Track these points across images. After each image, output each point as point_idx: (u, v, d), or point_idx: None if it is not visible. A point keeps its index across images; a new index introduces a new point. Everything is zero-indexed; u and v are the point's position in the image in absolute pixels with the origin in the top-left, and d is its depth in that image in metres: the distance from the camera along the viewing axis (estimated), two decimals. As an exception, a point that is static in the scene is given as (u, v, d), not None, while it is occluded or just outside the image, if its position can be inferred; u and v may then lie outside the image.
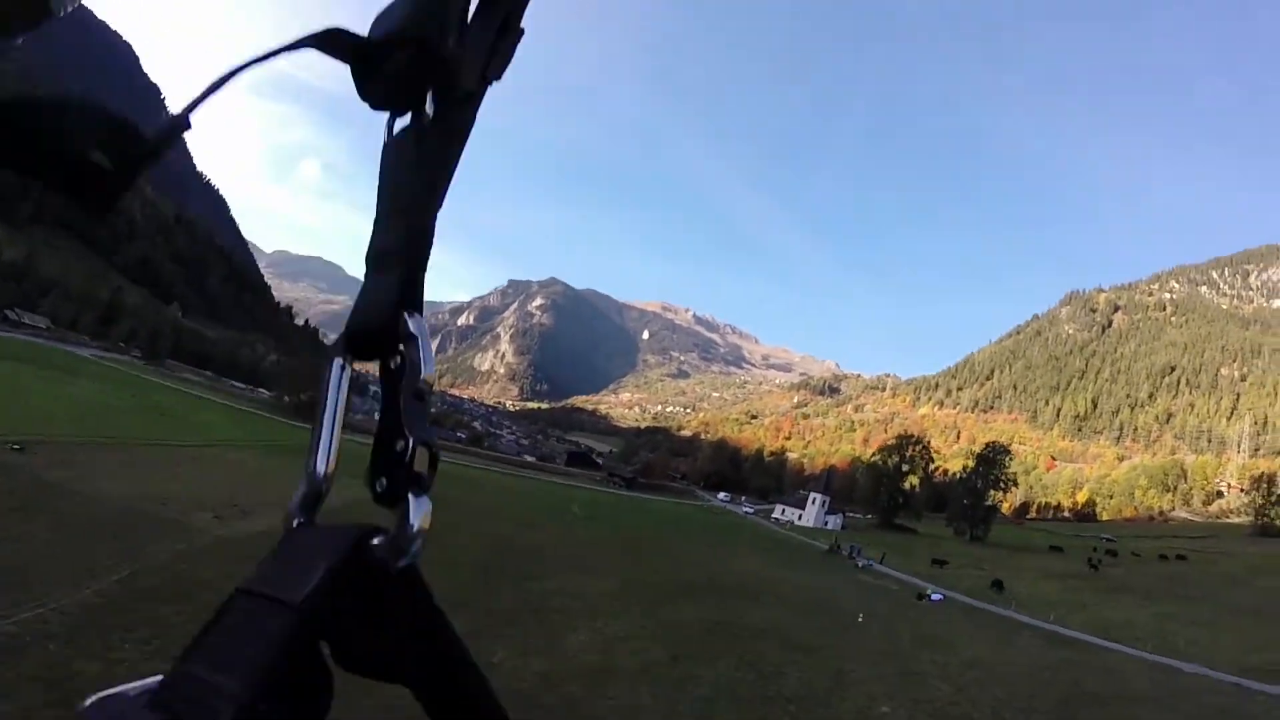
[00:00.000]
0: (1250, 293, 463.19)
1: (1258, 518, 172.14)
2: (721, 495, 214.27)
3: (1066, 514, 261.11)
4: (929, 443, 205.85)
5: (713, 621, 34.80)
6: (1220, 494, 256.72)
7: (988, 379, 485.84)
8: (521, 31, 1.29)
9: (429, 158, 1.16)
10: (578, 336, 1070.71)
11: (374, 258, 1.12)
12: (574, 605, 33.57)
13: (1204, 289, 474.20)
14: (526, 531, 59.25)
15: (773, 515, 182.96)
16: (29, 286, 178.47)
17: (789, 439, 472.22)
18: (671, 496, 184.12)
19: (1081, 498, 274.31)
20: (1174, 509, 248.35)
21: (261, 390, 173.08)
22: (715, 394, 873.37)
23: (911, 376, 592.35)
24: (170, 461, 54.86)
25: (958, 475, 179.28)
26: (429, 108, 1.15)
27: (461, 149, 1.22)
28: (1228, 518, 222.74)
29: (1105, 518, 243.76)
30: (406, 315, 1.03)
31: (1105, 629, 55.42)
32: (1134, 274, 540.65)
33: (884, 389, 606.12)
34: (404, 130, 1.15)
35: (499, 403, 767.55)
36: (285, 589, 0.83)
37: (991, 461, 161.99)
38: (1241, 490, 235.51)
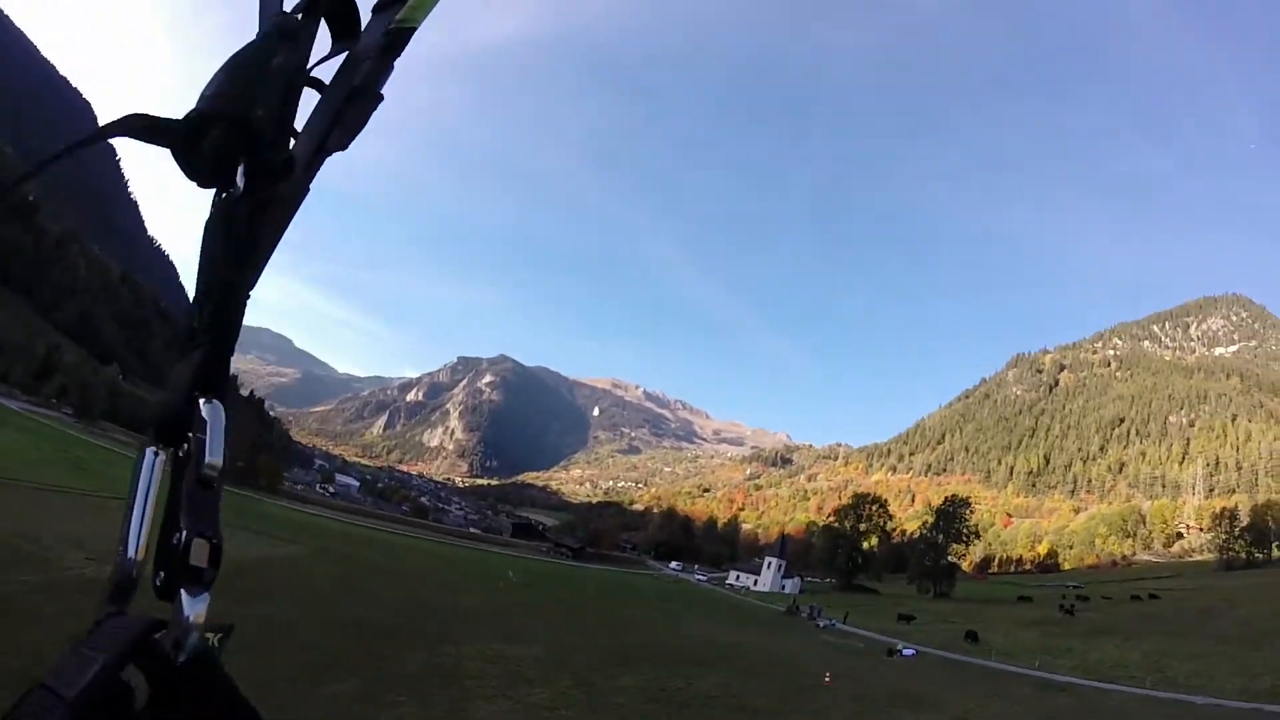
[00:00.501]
0: (1191, 343, 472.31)
1: (1223, 552, 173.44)
2: (673, 564, 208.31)
3: (1029, 566, 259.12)
4: (885, 502, 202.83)
5: (655, 689, 29.52)
6: (1180, 535, 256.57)
7: (939, 443, 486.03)
8: (380, 98, 1.27)
9: (237, 234, 1.11)
10: (528, 413, 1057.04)
11: (184, 338, 1.09)
12: (491, 671, 27.98)
13: (1146, 343, 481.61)
14: (453, 596, 54.15)
15: (727, 582, 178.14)
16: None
17: (743, 510, 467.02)
18: (621, 566, 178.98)
19: (1043, 550, 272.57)
20: (1135, 553, 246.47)
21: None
22: (667, 469, 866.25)
23: (863, 444, 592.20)
24: (71, 507, 52.20)
25: (917, 533, 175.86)
26: (239, 181, 1.09)
27: (281, 224, 1.19)
28: (1190, 556, 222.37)
29: (1068, 567, 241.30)
30: (201, 400, 1.02)
31: (1097, 670, 52.24)
32: (1077, 334, 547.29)
33: (836, 458, 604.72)
34: (213, 206, 1.11)
35: (448, 479, 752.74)
36: (65, 684, 0.84)
37: (951, 515, 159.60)
38: (1201, 530, 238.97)
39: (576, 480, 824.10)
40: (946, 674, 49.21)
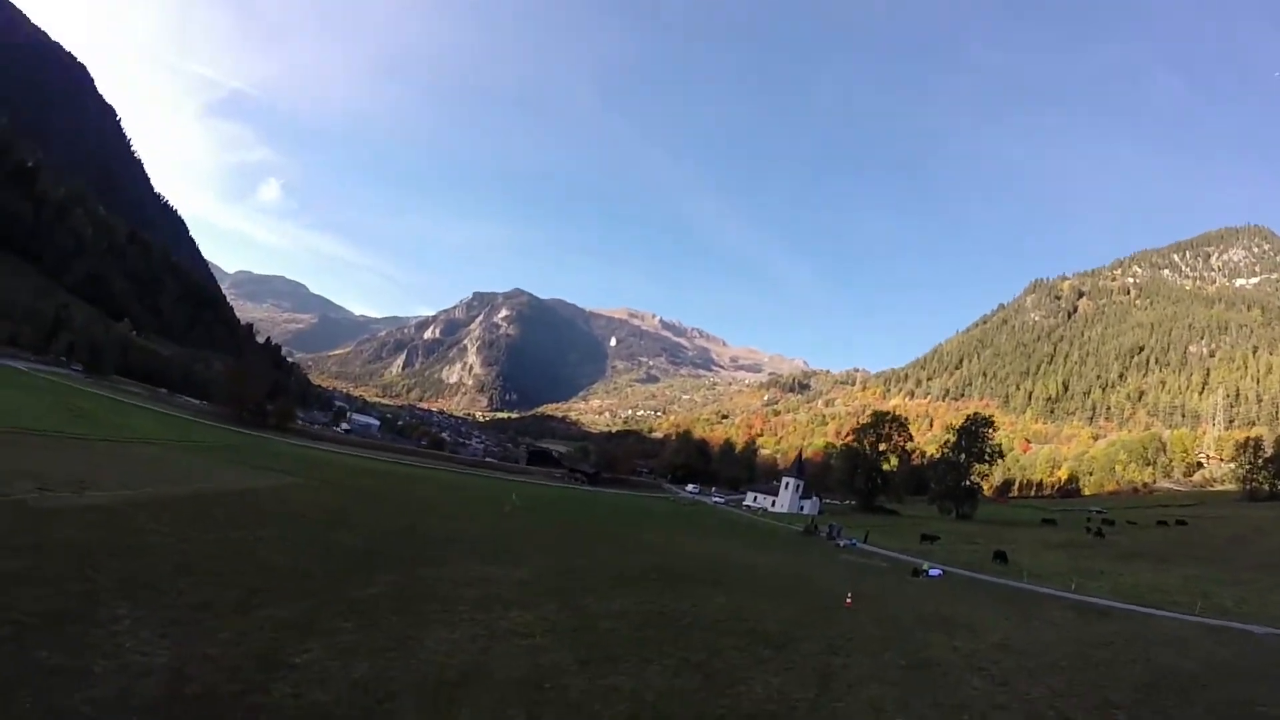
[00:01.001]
0: (1212, 273, 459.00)
1: (1245, 482, 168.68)
2: (690, 487, 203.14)
3: (1049, 491, 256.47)
4: (906, 421, 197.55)
5: (652, 612, 25.86)
6: (1200, 465, 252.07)
7: (957, 368, 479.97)
8: None
9: None
10: (545, 346, 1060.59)
11: None
12: (466, 595, 24.52)
13: (1166, 272, 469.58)
14: (450, 522, 50.89)
15: (744, 503, 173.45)
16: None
17: (761, 435, 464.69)
18: (636, 490, 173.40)
19: (1062, 475, 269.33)
20: (1156, 481, 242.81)
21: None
22: (685, 396, 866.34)
23: (881, 370, 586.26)
24: (48, 448, 51.42)
25: (938, 454, 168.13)
26: None
27: None
28: (1211, 486, 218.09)
29: (1089, 492, 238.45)
30: None
31: (1137, 595, 48.53)
32: (1096, 261, 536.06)
33: (854, 383, 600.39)
34: None
35: (468, 414, 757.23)
36: None
37: (974, 434, 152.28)
38: (1221, 460, 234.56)
39: (596, 410, 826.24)
40: (976, 595, 45.38)
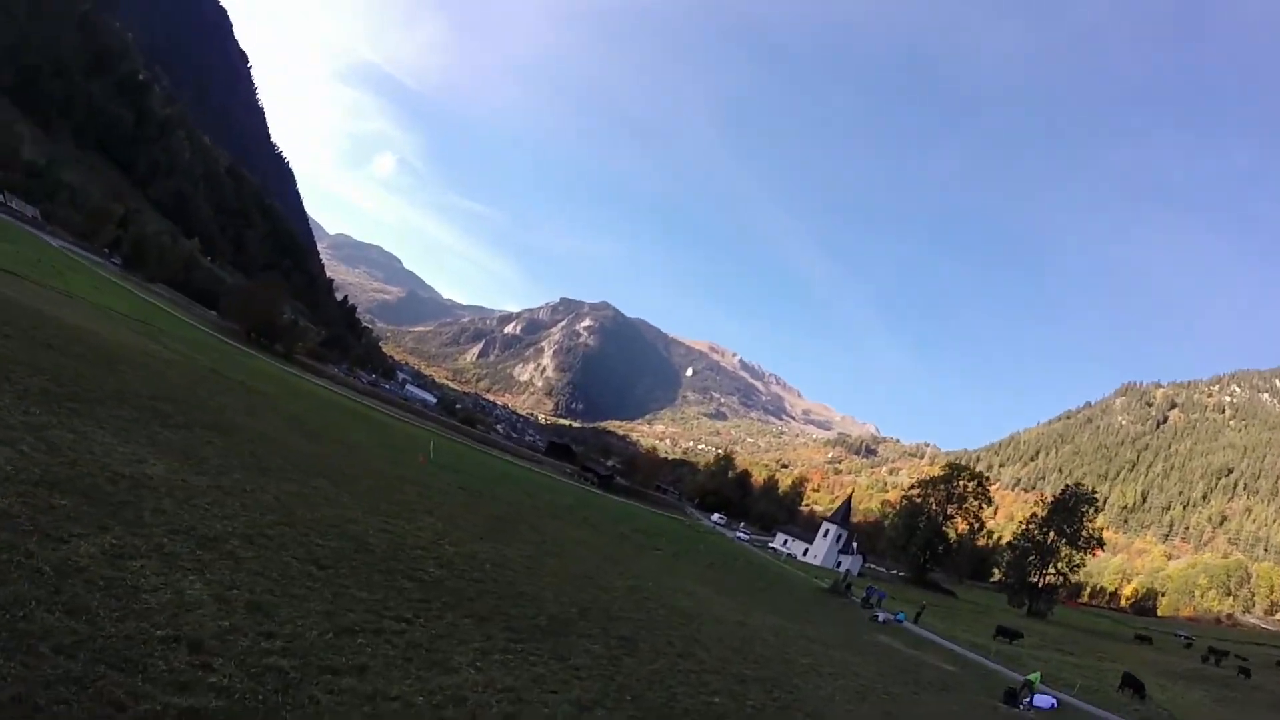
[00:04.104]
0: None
1: None
2: (715, 516, 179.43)
3: (1123, 604, 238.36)
4: (985, 480, 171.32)
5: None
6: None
7: (1032, 459, 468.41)
8: None
9: None
10: (621, 362, 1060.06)
11: None
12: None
13: (1265, 395, 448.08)
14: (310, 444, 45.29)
15: (770, 544, 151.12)
16: (37, 184, 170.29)
17: (817, 490, 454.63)
18: (652, 506, 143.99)
19: (1129, 590, 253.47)
20: (1240, 614, 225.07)
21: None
22: (750, 439, 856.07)
23: (952, 449, 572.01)
24: None
25: (1017, 533, 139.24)
26: None
27: None
28: None
29: (1163, 613, 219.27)
30: None
31: None
32: (1193, 374, 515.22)
33: (922, 456, 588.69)
34: None
35: (531, 414, 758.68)
36: None
37: (1071, 511, 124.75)
38: None
39: (658, 435, 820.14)
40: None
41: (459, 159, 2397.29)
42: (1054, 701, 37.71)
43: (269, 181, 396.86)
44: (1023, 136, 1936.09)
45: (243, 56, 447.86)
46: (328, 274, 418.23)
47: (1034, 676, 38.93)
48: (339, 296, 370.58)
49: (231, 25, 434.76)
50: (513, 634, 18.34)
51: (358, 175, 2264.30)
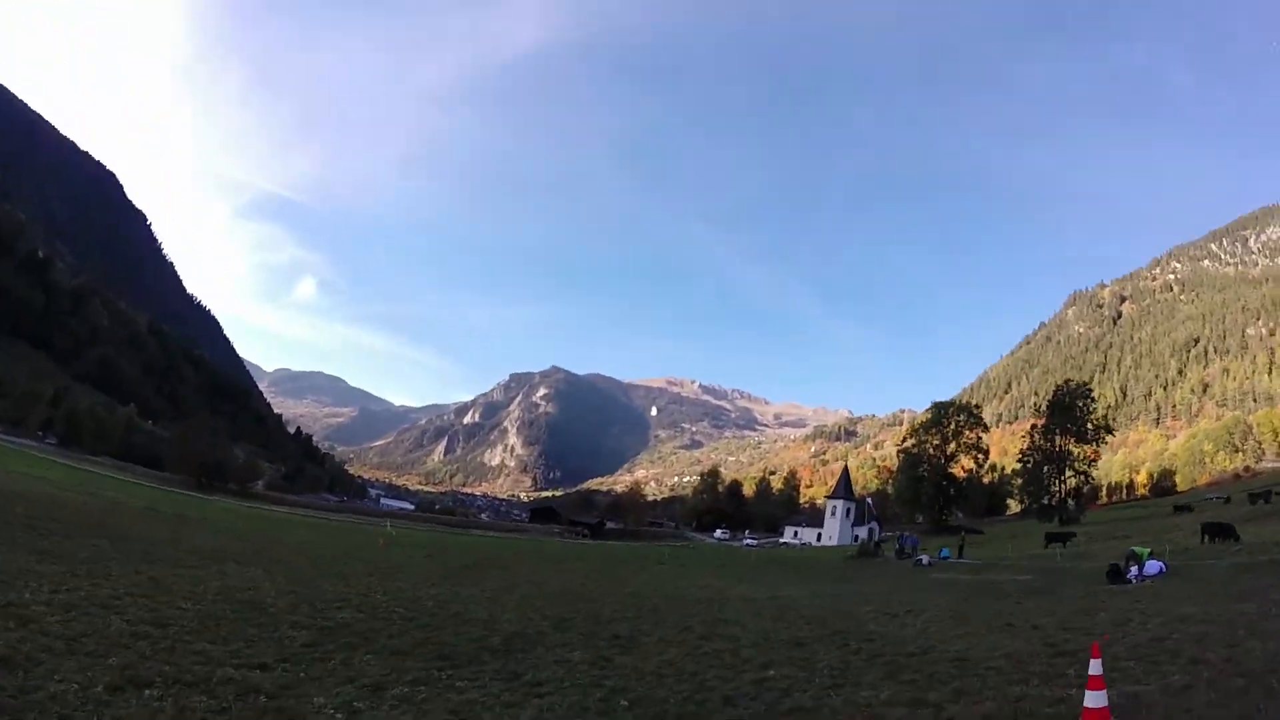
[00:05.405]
0: (1254, 256, 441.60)
1: None
2: (719, 532, 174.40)
3: (1143, 491, 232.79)
4: (978, 409, 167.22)
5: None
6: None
7: (1006, 392, 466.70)
8: None
9: None
10: (585, 421, 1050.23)
11: None
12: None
13: (1206, 263, 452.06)
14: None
15: (781, 542, 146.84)
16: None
17: (810, 486, 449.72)
18: (651, 541, 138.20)
19: (1142, 476, 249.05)
20: (1256, 464, 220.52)
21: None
22: (731, 458, 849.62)
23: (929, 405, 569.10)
24: None
25: (1021, 454, 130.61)
26: None
27: None
28: None
29: (1183, 488, 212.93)
30: None
31: None
32: (1133, 264, 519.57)
33: (901, 424, 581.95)
34: None
35: (513, 494, 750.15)
36: None
37: (1067, 408, 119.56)
38: None
39: (641, 480, 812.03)
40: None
41: (375, 265, 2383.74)
42: (1162, 566, 34.89)
43: (194, 333, 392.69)
44: (912, 86, 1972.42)
45: (140, 215, 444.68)
46: (275, 410, 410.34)
47: (1139, 549, 37.29)
48: (291, 430, 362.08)
49: (123, 188, 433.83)
50: (443, 662, 15.19)
51: (283, 306, 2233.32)
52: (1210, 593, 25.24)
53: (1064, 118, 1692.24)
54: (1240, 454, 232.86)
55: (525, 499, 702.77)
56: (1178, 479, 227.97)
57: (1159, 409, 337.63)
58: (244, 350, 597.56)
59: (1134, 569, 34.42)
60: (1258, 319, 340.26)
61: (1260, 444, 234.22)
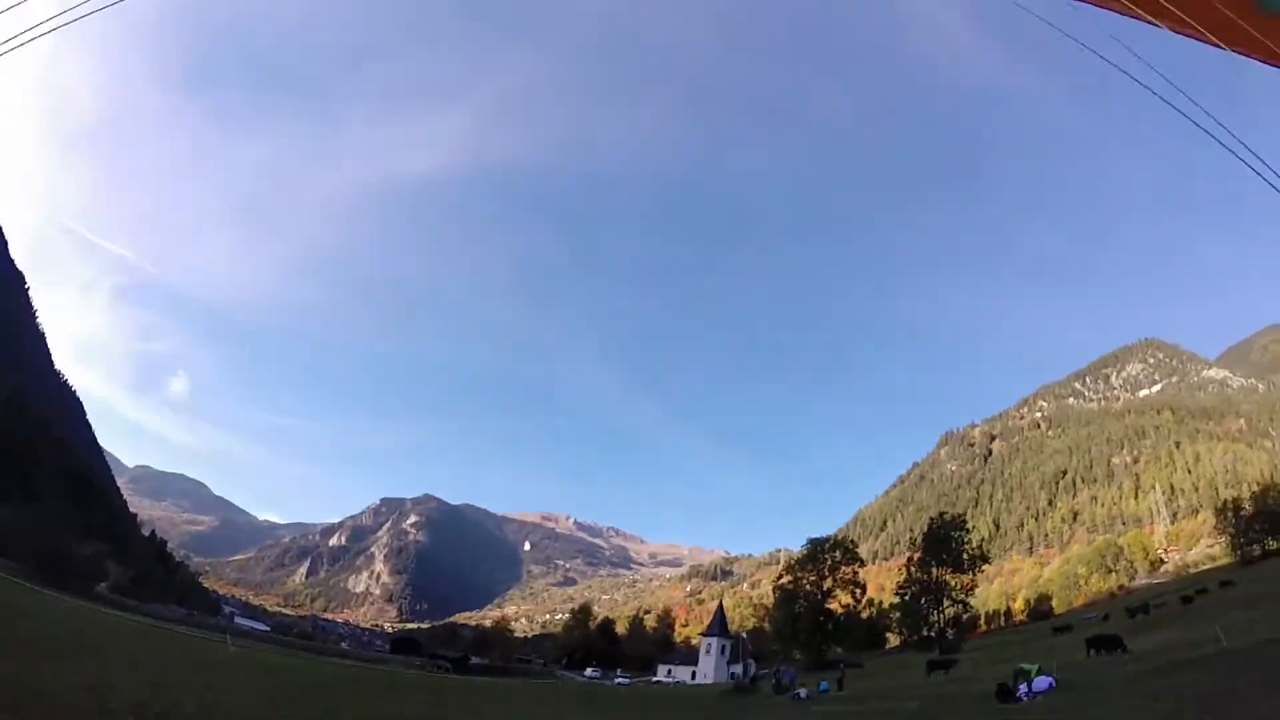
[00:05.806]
0: (1115, 391, 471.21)
1: (1235, 547, 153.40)
2: (589, 671, 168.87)
3: (1021, 618, 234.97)
4: (854, 545, 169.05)
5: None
6: (1163, 560, 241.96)
7: (882, 529, 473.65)
8: None
9: None
10: (456, 552, 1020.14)
11: None
12: None
13: (1071, 400, 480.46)
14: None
15: (654, 679, 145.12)
16: None
17: (685, 625, 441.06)
18: (517, 678, 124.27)
19: (1019, 605, 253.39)
20: (1125, 584, 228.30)
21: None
22: (605, 596, 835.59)
23: (804, 547, 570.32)
24: None
25: (898, 587, 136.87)
26: None
27: None
28: (1189, 570, 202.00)
29: (1060, 610, 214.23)
30: None
31: None
32: (1002, 405, 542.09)
33: (778, 562, 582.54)
34: None
35: (376, 625, 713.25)
36: None
37: (944, 540, 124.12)
38: (1179, 552, 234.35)
39: (512, 616, 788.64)
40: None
41: (254, 370, 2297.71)
42: (1052, 680, 36.49)
43: (58, 412, 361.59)
44: (792, 237, 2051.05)
45: (20, 278, 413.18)
46: (132, 509, 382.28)
47: (1027, 665, 38.90)
48: (146, 532, 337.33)
49: (7, 243, 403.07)
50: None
51: (153, 400, 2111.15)
52: (1111, 699, 26.61)
53: (931, 268, 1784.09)
54: (1114, 574, 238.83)
55: (390, 629, 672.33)
56: (1055, 602, 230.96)
57: (1032, 538, 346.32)
58: (106, 440, 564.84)
59: (1023, 686, 35.56)
60: (1121, 448, 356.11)
61: (1132, 563, 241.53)
